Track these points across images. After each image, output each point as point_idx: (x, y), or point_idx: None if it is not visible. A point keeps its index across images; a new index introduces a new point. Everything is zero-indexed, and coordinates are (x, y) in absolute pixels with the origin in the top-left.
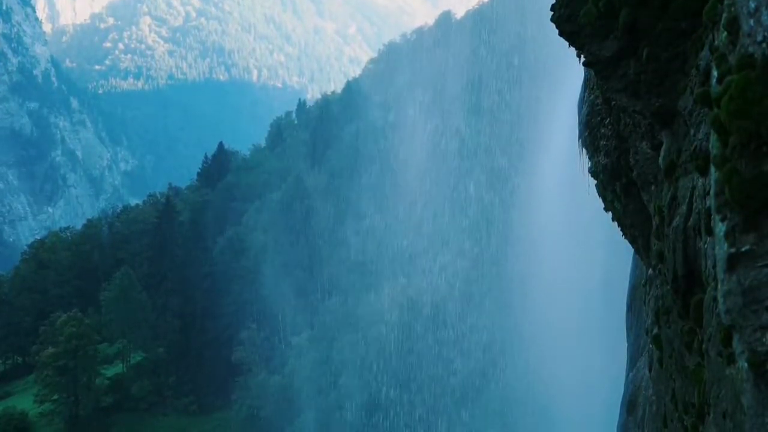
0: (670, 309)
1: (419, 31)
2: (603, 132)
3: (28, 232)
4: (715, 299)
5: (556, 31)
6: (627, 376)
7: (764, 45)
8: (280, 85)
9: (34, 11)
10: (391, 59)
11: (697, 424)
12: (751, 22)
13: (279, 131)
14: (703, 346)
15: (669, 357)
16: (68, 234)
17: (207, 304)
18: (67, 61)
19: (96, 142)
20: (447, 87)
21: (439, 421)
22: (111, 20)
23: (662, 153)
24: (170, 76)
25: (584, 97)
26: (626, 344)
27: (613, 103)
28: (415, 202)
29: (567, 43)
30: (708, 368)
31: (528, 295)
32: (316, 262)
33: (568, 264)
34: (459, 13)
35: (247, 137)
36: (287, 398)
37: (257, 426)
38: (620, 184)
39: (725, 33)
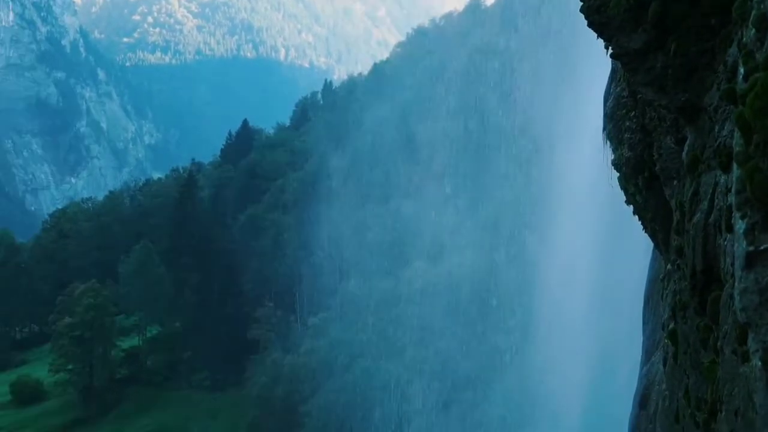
0: (688, 305)
1: (448, 17)
2: (627, 125)
3: (50, 201)
4: (732, 297)
5: (585, 21)
6: (641, 370)
7: None
8: (307, 64)
9: None
10: (420, 43)
11: (709, 420)
12: None
13: (304, 111)
14: (718, 343)
15: (684, 353)
16: (90, 205)
17: (225, 280)
18: (96, 32)
19: (121, 115)
20: (474, 73)
21: (453, 406)
22: None
23: (686, 148)
24: (198, 52)
25: (610, 89)
26: (642, 338)
27: (639, 96)
28: (437, 186)
29: (595, 34)
30: (722, 366)
31: (546, 283)
32: (336, 244)
33: (587, 255)
34: None
35: (272, 116)
36: (301, 378)
37: (270, 404)
38: (643, 178)
39: (753, 30)
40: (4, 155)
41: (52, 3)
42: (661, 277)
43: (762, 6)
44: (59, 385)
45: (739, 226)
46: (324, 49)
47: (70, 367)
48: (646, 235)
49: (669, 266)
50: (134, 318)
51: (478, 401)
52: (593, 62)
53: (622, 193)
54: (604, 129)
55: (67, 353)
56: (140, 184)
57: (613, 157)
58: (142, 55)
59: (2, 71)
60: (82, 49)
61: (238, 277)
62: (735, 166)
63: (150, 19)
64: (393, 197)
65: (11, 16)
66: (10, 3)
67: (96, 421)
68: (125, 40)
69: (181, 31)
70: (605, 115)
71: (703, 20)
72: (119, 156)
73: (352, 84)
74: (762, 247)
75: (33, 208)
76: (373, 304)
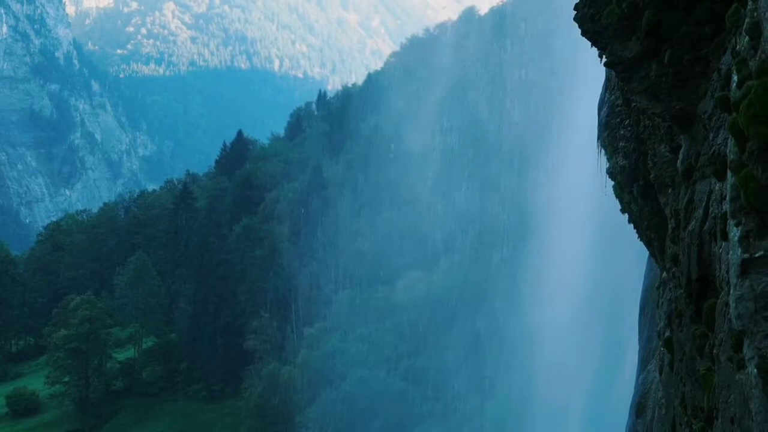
0: (683, 312)
1: (442, 26)
2: (622, 133)
3: (44, 213)
4: (727, 304)
5: (579, 30)
6: (637, 378)
7: None
8: (301, 75)
9: None
10: (413, 53)
11: (706, 428)
12: None
13: (299, 121)
14: (714, 350)
15: (680, 360)
16: (84, 217)
17: (221, 291)
18: (90, 44)
19: (115, 126)
20: (468, 83)
21: (449, 415)
22: (134, 5)
23: (680, 156)
24: (192, 63)
25: (604, 97)
26: (637, 346)
27: (633, 104)
28: (431, 195)
29: (589, 43)
30: (718, 373)
31: (540, 290)
32: (331, 254)
33: (580, 264)
34: (483, 9)
35: (266, 126)
36: (297, 388)
37: (266, 415)
38: (637, 186)
39: (747, 38)
40: None
41: (45, 15)
42: (656, 285)
43: (755, 14)
44: (55, 397)
45: (734, 233)
46: (318, 60)
47: (66, 379)
48: (642, 243)
49: (664, 274)
50: (130, 329)
51: (474, 409)
52: (587, 71)
53: (617, 201)
54: (598, 137)
55: (63, 365)
56: (135, 195)
57: (607, 166)
58: (136, 67)
59: None
60: (75, 61)
61: (234, 288)
62: (729, 173)
63: (144, 31)
64: (388, 206)
65: (5, 28)
66: (4, 16)
67: None
68: (119, 51)
69: (174, 42)
70: (600, 123)
71: (696, 28)
72: (113, 168)
73: (346, 94)
74: (757, 255)
75: (27, 221)
76: (369, 314)
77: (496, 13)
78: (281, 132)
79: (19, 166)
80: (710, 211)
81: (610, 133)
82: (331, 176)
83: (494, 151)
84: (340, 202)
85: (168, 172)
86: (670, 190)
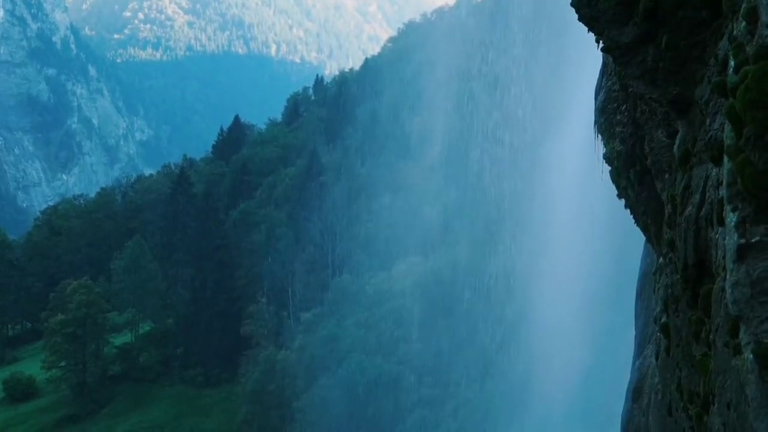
0: (680, 298)
1: (439, 11)
2: (619, 118)
3: (41, 198)
4: (723, 290)
5: (576, 15)
6: (633, 363)
7: None
8: (298, 60)
9: None
10: (411, 38)
11: (702, 413)
12: None
13: (296, 106)
14: (711, 336)
15: (676, 346)
16: (81, 202)
17: (218, 276)
18: (87, 28)
19: (112, 111)
20: (465, 68)
21: (446, 401)
22: None
23: (677, 141)
24: (189, 48)
25: (601, 83)
26: (634, 332)
27: (630, 89)
28: (429, 181)
29: (586, 28)
30: (714, 358)
31: (536, 277)
32: (329, 239)
33: (578, 250)
34: None
35: (263, 111)
36: (294, 374)
37: (263, 400)
38: (634, 172)
39: (744, 23)
40: None
41: (42, 0)
42: (653, 270)
43: None
44: (52, 382)
45: (731, 218)
46: (315, 45)
47: (62, 363)
48: (638, 228)
49: (661, 260)
50: (127, 314)
51: (471, 396)
52: (584, 56)
53: (614, 186)
54: (595, 123)
55: (60, 350)
56: (132, 180)
57: (604, 151)
58: (132, 52)
59: None
60: (72, 46)
61: (231, 273)
62: (726, 159)
63: (140, 15)
64: (385, 192)
65: (1, 12)
66: (0, 0)
67: (89, 418)
68: (116, 36)
69: (171, 27)
70: (596, 108)
71: (693, 13)
72: (111, 152)
73: (343, 79)
74: (753, 240)
75: (25, 205)
76: (366, 300)
77: None
78: (278, 117)
79: (16, 151)
80: (707, 197)
81: (606, 119)
82: (329, 161)
83: (492, 137)
84: (338, 187)
85: (165, 157)
86: (666, 176)
